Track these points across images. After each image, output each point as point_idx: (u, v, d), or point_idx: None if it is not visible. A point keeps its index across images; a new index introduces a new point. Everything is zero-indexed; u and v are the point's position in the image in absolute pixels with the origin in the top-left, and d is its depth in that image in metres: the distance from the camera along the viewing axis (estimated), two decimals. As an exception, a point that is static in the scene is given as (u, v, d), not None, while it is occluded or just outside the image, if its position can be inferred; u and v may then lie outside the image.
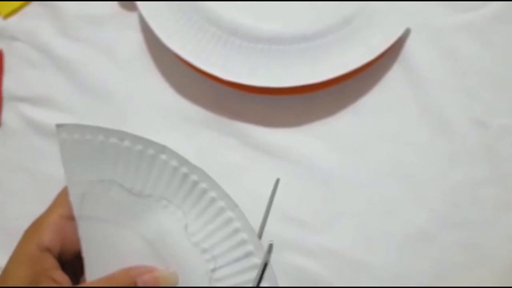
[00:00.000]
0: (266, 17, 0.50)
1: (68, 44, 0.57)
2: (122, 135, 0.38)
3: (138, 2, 0.52)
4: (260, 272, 0.40)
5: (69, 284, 0.39)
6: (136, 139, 0.38)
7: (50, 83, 0.56)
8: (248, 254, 0.42)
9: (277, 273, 0.48)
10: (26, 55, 0.58)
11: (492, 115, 0.50)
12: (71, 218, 0.40)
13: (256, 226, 0.50)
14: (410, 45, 0.52)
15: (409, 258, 0.49)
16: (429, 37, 0.52)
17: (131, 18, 0.57)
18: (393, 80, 0.52)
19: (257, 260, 0.41)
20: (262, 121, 0.53)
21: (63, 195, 0.41)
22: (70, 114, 0.55)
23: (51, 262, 0.38)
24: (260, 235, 0.42)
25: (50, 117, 0.55)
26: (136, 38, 0.56)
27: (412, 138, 0.51)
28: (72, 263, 0.41)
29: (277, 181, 0.39)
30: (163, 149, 0.38)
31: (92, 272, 0.39)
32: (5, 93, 0.57)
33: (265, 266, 0.40)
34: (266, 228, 0.50)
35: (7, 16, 0.59)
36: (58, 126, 0.38)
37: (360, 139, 0.51)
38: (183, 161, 0.39)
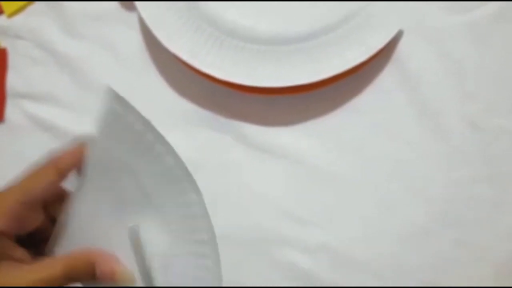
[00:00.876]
0: (262, 18, 0.51)
1: (71, 42, 0.58)
2: (158, 137, 0.38)
3: (136, 2, 0.53)
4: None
5: (29, 258, 0.38)
6: (170, 150, 0.38)
7: (53, 81, 0.58)
8: None
9: (274, 269, 0.50)
10: (29, 53, 0.59)
11: (487, 116, 0.51)
12: (28, 204, 0.38)
13: (252, 226, 0.51)
14: (405, 45, 0.53)
15: (405, 255, 0.49)
16: (425, 37, 0.53)
17: (133, 17, 0.58)
18: (387, 80, 0.53)
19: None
20: (258, 120, 0.53)
21: (25, 179, 0.39)
22: (72, 110, 0.56)
23: (7, 243, 0.37)
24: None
25: (52, 114, 0.57)
26: (137, 37, 0.57)
27: (408, 137, 0.51)
28: (30, 237, 0.39)
29: (137, 239, 0.38)
30: (188, 180, 0.38)
31: (69, 231, 0.38)
32: (9, 90, 0.58)
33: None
34: (263, 224, 0.51)
35: (11, 15, 0.60)
36: (110, 90, 0.38)
37: (356, 138, 0.52)
38: (200, 203, 0.38)
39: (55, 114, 0.57)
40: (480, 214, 0.49)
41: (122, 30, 0.58)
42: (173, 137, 0.53)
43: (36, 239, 0.40)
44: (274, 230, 0.51)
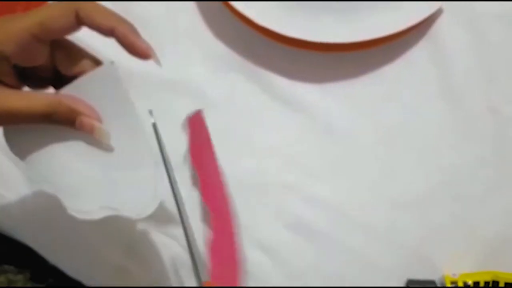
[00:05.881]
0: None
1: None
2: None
3: None
4: None
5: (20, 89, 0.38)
6: None
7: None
8: None
9: (275, 215, 0.52)
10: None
11: (506, 103, 0.53)
12: (40, 39, 0.36)
13: (259, 172, 0.52)
14: (441, 24, 0.54)
15: (402, 222, 0.51)
16: (461, 20, 0.54)
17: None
18: (418, 55, 0.54)
19: None
20: (286, 73, 0.55)
21: (46, 13, 0.36)
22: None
23: (5, 69, 0.37)
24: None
25: (91, 38, 0.58)
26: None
27: (426, 112, 0.53)
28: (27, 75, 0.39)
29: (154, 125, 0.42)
30: None
31: None
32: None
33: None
34: (271, 171, 0.53)
35: None
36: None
37: (376, 105, 0.54)
38: None
39: (94, 38, 0.57)
40: (479, 194, 0.51)
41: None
42: (202, 75, 0.56)
43: (32, 79, 0.40)
44: (280, 178, 0.52)
